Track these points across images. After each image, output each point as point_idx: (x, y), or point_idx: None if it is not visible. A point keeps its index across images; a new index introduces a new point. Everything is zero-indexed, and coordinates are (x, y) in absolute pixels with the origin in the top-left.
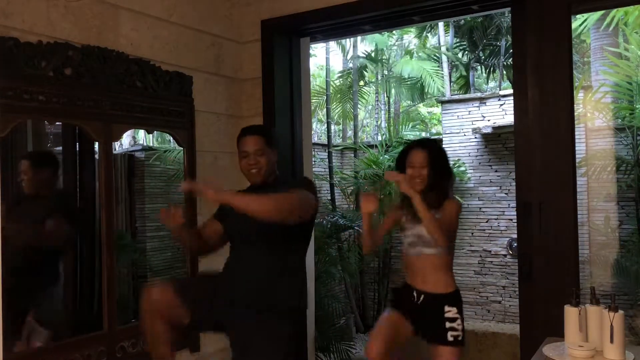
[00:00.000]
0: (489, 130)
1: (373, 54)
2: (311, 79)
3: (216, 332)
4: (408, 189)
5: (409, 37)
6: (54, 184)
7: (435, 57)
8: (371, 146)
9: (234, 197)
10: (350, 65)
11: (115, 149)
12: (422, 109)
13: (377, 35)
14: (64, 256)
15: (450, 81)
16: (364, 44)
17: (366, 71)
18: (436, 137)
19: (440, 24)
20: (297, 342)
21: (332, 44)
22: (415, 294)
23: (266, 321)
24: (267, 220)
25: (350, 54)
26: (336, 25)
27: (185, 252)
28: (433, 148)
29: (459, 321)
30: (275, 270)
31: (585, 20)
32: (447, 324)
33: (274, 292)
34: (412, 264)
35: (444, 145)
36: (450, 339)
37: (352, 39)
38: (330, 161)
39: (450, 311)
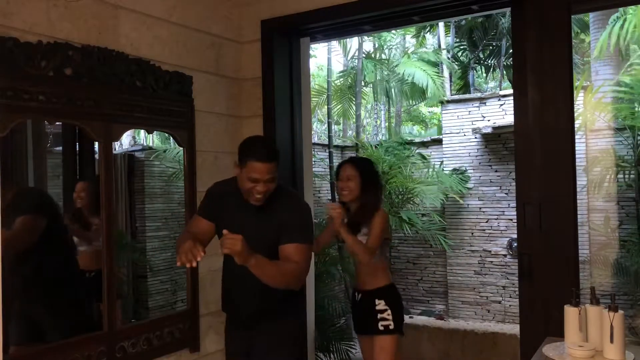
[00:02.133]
0: (489, 130)
1: (373, 55)
2: (311, 78)
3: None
4: (337, 226)
5: (409, 37)
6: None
7: (434, 59)
8: (371, 146)
9: (253, 266)
10: (352, 65)
11: (115, 149)
12: (423, 109)
13: (378, 35)
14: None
15: (451, 81)
16: (366, 43)
17: (367, 71)
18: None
19: (441, 24)
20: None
21: (334, 43)
22: (356, 294)
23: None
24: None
25: (352, 53)
26: (336, 25)
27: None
28: (359, 164)
29: (388, 311)
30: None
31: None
32: (378, 315)
33: (279, 309)
34: (355, 266)
35: (443, 146)
36: (380, 328)
37: (354, 39)
38: (330, 161)
39: (380, 303)
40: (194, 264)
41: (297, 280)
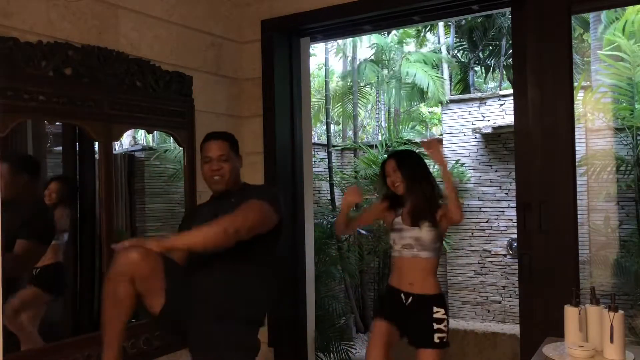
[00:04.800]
0: (489, 130)
1: (373, 56)
2: (311, 78)
3: (176, 335)
4: (438, 155)
5: (410, 38)
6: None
7: (434, 60)
8: (371, 146)
9: (177, 241)
10: (351, 66)
11: (115, 149)
12: (423, 109)
13: (378, 36)
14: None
15: (451, 82)
16: (366, 43)
17: (367, 72)
18: (434, 136)
19: (441, 24)
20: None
21: (333, 44)
22: (403, 296)
23: (224, 331)
24: (217, 248)
25: (352, 53)
26: (336, 25)
27: None
28: (401, 156)
29: (445, 322)
30: (227, 280)
31: None
32: (435, 325)
33: (229, 301)
34: (403, 265)
35: (443, 146)
36: (436, 340)
37: (353, 39)
38: (330, 161)
39: (439, 312)
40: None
41: (235, 227)
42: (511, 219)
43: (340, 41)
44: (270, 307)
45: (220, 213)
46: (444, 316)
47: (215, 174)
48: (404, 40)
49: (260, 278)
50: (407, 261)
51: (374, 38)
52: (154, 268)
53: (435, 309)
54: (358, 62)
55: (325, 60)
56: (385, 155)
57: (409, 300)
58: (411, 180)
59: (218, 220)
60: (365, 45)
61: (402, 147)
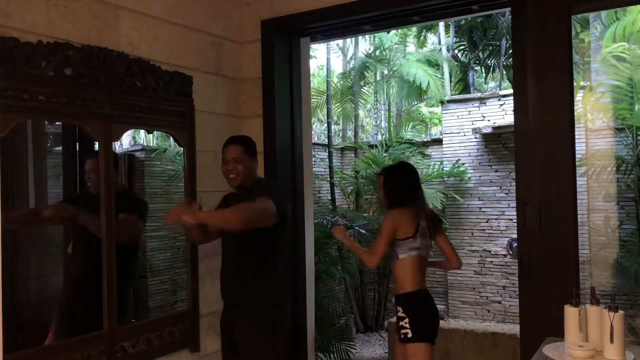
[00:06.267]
0: (489, 130)
1: (375, 53)
2: (311, 79)
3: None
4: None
5: (410, 38)
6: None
7: (434, 60)
8: (371, 146)
9: (207, 215)
10: (351, 65)
11: (115, 149)
12: (424, 109)
13: (379, 35)
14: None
15: (451, 81)
16: (366, 43)
17: (367, 71)
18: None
19: (441, 24)
20: (277, 330)
21: (333, 44)
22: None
23: (247, 311)
24: (234, 229)
25: (352, 53)
26: (336, 25)
27: (188, 241)
28: (388, 171)
29: (406, 320)
30: (245, 266)
31: None
32: (400, 322)
33: (249, 284)
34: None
35: (443, 146)
36: (401, 336)
37: (353, 39)
38: (330, 161)
39: (399, 311)
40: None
41: (245, 216)
42: (511, 219)
43: (340, 41)
44: (279, 291)
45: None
46: (403, 314)
47: (230, 173)
48: (406, 38)
49: (266, 264)
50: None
51: (375, 35)
52: None
53: (398, 307)
54: (359, 62)
55: (327, 60)
56: (386, 155)
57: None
58: (387, 197)
59: (231, 208)
60: (366, 44)
61: (402, 147)
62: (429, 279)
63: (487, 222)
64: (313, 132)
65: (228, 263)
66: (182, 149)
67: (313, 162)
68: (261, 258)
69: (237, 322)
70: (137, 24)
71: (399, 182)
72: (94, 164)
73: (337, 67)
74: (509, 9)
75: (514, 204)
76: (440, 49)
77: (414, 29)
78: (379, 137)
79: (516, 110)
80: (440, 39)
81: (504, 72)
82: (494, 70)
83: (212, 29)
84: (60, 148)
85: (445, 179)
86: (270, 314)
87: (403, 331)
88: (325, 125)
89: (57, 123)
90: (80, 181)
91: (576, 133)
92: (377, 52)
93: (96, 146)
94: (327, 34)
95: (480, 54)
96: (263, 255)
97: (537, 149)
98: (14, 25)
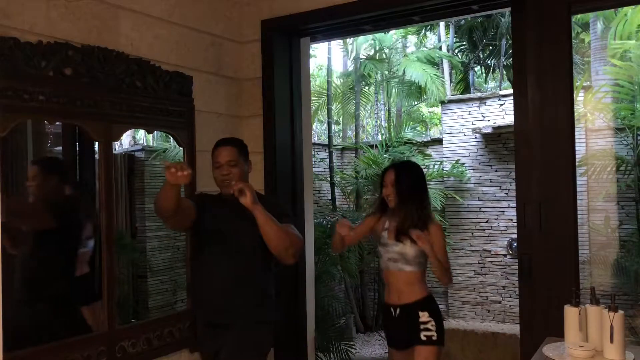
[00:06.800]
0: (489, 130)
1: (375, 54)
2: (311, 79)
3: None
4: (423, 243)
5: (412, 37)
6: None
7: (434, 60)
8: (371, 146)
9: (265, 214)
10: (352, 66)
11: (115, 149)
12: (424, 109)
13: (379, 35)
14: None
15: (451, 81)
16: (367, 44)
17: (367, 71)
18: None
19: (441, 24)
20: (270, 344)
21: (334, 43)
22: (392, 310)
23: (241, 332)
24: (270, 246)
25: (353, 53)
26: (336, 25)
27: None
28: (400, 169)
29: (432, 322)
30: (247, 282)
31: None
32: (421, 326)
33: (246, 304)
34: (389, 278)
35: (443, 146)
36: (423, 338)
37: (354, 39)
38: (330, 161)
39: (424, 315)
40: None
41: (297, 246)
42: (511, 219)
43: (341, 40)
44: (279, 311)
45: (241, 216)
46: (429, 318)
47: (225, 178)
48: (406, 36)
49: (270, 279)
50: (393, 274)
51: (375, 35)
52: None
53: (420, 313)
54: (360, 61)
55: (328, 59)
56: (386, 156)
57: (397, 311)
58: (404, 197)
59: (289, 231)
60: (366, 43)
61: (402, 147)
62: (429, 278)
63: (487, 222)
64: (313, 132)
65: (217, 273)
66: (182, 149)
67: (313, 162)
68: (265, 275)
69: (227, 346)
70: (137, 24)
71: (417, 177)
72: (36, 171)
73: (338, 67)
74: (509, 9)
75: (514, 204)
76: (440, 46)
77: (414, 28)
78: (379, 137)
79: (516, 110)
80: (441, 39)
81: (504, 72)
82: (494, 70)
83: (212, 29)
84: (60, 148)
85: (445, 179)
86: (267, 335)
87: (427, 333)
88: (325, 125)
89: (57, 123)
90: (81, 181)
91: (576, 133)
92: (377, 49)
93: (96, 146)
94: (327, 34)
95: (480, 54)
96: (267, 270)
97: (537, 149)
98: (14, 25)
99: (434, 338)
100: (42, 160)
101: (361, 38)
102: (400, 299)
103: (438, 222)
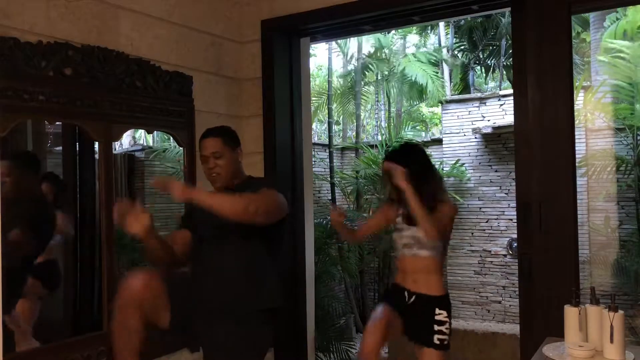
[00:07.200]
0: (489, 130)
1: (373, 55)
2: (311, 79)
3: (189, 340)
4: (402, 182)
5: (412, 37)
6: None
7: (434, 60)
8: (371, 146)
9: (204, 195)
10: (352, 65)
11: (115, 149)
12: (424, 109)
13: (379, 35)
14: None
15: (451, 81)
16: (367, 44)
17: (367, 71)
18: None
19: (441, 24)
20: (269, 344)
21: (334, 44)
22: (406, 294)
23: (239, 325)
24: (234, 220)
25: (352, 53)
26: (336, 25)
27: (149, 262)
28: (399, 153)
29: (447, 325)
30: (243, 270)
31: None
32: (436, 327)
33: (245, 293)
34: (405, 264)
35: (443, 146)
36: (436, 342)
37: (354, 39)
38: (330, 161)
39: (441, 314)
40: None
41: (257, 202)
42: (511, 219)
43: (341, 40)
44: (282, 297)
45: None
46: (446, 319)
47: (212, 172)
48: (406, 37)
49: (271, 264)
50: (409, 260)
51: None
52: (157, 289)
53: (437, 310)
54: (360, 61)
55: (329, 59)
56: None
57: (412, 299)
58: (409, 177)
59: (242, 195)
60: (367, 43)
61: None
62: None
63: (487, 222)
64: (313, 132)
65: (213, 265)
66: (182, 149)
67: (313, 162)
68: (260, 261)
69: (223, 340)
70: (137, 24)
71: (424, 157)
72: (9, 167)
73: (338, 66)
74: (509, 9)
75: (514, 204)
76: (440, 44)
77: (414, 28)
78: (379, 137)
79: (516, 110)
80: (440, 39)
81: (504, 72)
82: (494, 70)
83: (212, 29)
84: (60, 148)
85: (445, 179)
86: (266, 333)
87: (441, 337)
88: (326, 125)
89: (57, 123)
90: (81, 181)
91: (576, 133)
92: (376, 48)
93: (96, 146)
94: (327, 34)
95: (480, 54)
96: (261, 256)
97: (537, 149)
98: (14, 25)
99: (446, 343)
100: (15, 156)
101: (360, 39)
102: (416, 286)
103: (449, 201)
